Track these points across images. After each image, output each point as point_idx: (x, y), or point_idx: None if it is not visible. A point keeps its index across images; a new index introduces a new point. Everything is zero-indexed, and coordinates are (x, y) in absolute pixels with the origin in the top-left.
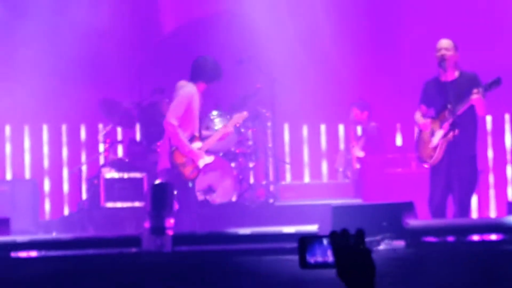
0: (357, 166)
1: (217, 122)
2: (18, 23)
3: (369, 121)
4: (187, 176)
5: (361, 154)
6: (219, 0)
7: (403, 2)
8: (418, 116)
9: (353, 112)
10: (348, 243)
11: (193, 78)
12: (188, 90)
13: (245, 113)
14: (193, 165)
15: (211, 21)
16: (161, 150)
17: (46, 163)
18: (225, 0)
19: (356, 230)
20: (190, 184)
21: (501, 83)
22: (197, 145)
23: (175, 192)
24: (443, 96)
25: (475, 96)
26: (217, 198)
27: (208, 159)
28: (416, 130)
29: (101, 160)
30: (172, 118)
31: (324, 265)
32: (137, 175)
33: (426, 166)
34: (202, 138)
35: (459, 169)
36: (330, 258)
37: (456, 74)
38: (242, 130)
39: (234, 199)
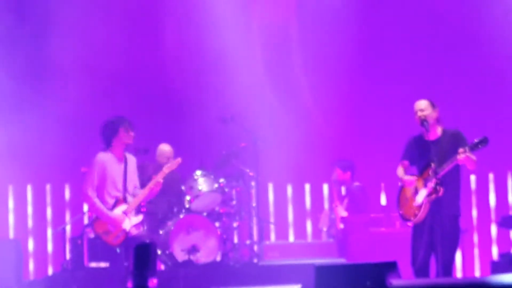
0: (341, 226)
1: (201, 182)
2: (2, 83)
3: (352, 180)
4: (111, 243)
5: (344, 214)
6: (202, 59)
7: (386, 61)
8: (400, 172)
9: (336, 172)
10: None
11: (105, 145)
12: (98, 159)
13: (178, 159)
14: (117, 230)
15: (195, 81)
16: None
17: (30, 223)
18: (209, 60)
19: None
20: (118, 250)
21: (488, 142)
22: (121, 208)
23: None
24: (426, 154)
25: (462, 156)
26: (201, 257)
27: (135, 219)
28: (400, 185)
29: (85, 220)
30: (87, 189)
31: None
32: None
33: (409, 224)
34: (127, 200)
35: (442, 229)
36: None
37: (439, 132)
38: (226, 189)
39: (218, 258)
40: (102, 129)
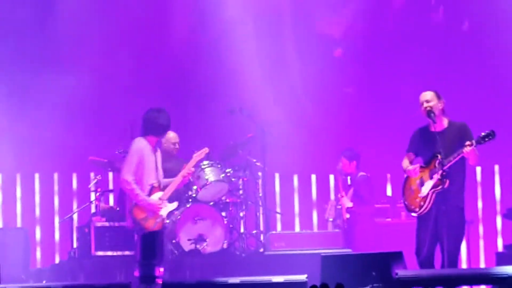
0: (347, 216)
1: (208, 171)
2: (9, 74)
3: (358, 171)
4: (150, 229)
5: (349, 204)
6: (211, 52)
7: (394, 54)
8: (406, 163)
9: (342, 163)
10: None
11: (143, 132)
12: (136, 146)
13: (206, 149)
14: (155, 216)
15: (204, 72)
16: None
17: (37, 211)
18: (218, 51)
19: (336, 285)
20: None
21: (495, 136)
22: (157, 195)
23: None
24: (432, 146)
25: (468, 149)
26: (207, 247)
27: (171, 206)
28: (405, 176)
29: (92, 209)
30: (126, 174)
31: None
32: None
33: (414, 215)
34: (162, 187)
35: (448, 220)
36: None
37: (445, 123)
38: (233, 179)
39: (224, 248)
40: (149, 117)
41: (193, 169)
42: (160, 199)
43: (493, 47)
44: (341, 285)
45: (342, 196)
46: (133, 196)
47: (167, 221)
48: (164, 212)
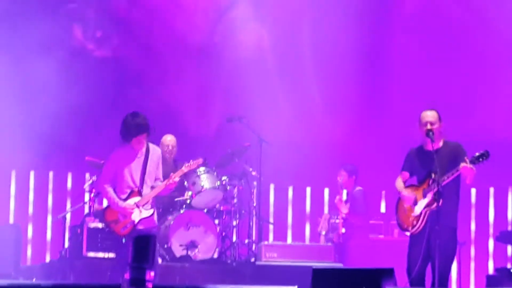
0: (343, 230)
1: (204, 178)
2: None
3: (355, 185)
4: (118, 232)
5: (345, 210)
6: (211, 59)
7: (393, 72)
8: (399, 183)
9: (342, 176)
10: None
11: (121, 137)
12: (113, 155)
13: (199, 160)
14: (126, 220)
15: (204, 79)
16: None
17: (31, 209)
18: (218, 59)
19: None
20: (124, 240)
21: (489, 156)
22: (134, 199)
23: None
24: (427, 165)
25: (465, 165)
26: (199, 253)
27: (146, 212)
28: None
29: (86, 210)
30: (101, 180)
31: None
32: None
33: (407, 233)
34: (141, 192)
35: (440, 240)
36: None
37: (440, 143)
38: (228, 187)
39: (215, 256)
40: (121, 126)
41: (177, 179)
42: (136, 204)
43: (497, 68)
44: None
45: (341, 200)
46: (106, 198)
47: (142, 226)
48: (136, 216)
